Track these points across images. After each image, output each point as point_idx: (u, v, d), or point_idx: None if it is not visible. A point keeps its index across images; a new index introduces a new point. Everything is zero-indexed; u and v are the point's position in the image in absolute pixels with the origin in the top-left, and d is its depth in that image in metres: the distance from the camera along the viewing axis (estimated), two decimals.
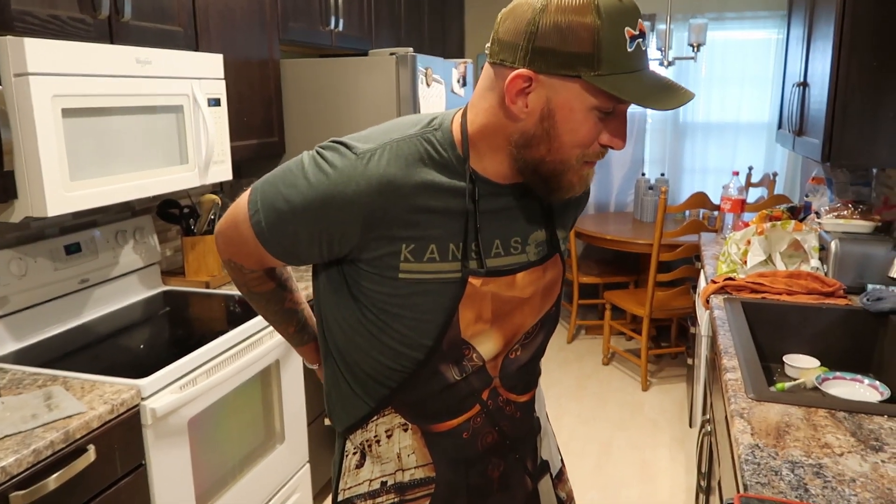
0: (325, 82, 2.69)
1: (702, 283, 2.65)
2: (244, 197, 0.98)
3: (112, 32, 1.76)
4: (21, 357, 1.74)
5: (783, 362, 1.94)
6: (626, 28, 0.83)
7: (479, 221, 0.96)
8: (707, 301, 2.16)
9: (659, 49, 3.97)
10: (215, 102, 2.07)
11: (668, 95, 0.86)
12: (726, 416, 1.41)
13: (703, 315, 2.35)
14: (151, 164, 1.83)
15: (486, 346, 0.99)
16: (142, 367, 1.64)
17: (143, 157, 1.80)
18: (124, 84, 1.70)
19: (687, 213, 4.10)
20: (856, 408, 1.35)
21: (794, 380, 1.86)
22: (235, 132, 2.32)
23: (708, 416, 1.84)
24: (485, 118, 0.93)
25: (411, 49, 2.66)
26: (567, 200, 1.05)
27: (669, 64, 3.88)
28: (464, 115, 0.95)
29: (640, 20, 0.86)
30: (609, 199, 4.81)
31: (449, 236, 0.94)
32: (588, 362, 3.98)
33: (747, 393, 1.41)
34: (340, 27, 2.90)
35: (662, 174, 4.48)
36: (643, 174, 4.54)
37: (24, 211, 1.53)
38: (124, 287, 2.18)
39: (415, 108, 2.59)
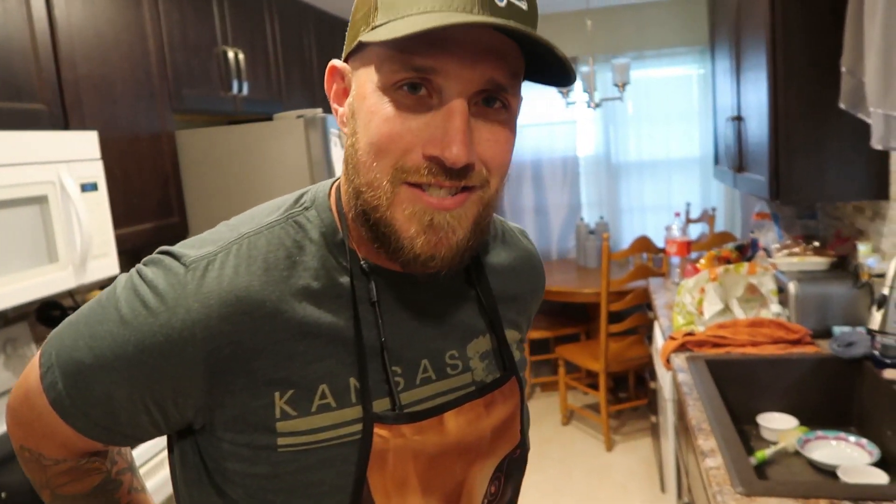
0: (230, 152, 2.43)
1: (657, 336, 2.46)
2: (38, 352, 0.67)
3: None
4: None
5: (757, 423, 1.74)
6: None
7: (386, 332, 0.65)
8: (668, 360, 1.96)
9: (585, 91, 3.88)
10: (91, 187, 1.78)
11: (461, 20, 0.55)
12: None
13: (664, 375, 2.15)
14: (7, 269, 1.53)
15: None
16: None
17: None
18: None
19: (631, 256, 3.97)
20: (862, 494, 1.14)
21: (773, 444, 1.66)
22: (124, 218, 2.04)
23: (687, 501, 1.61)
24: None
25: (321, 110, 2.44)
26: (509, 283, 0.78)
27: (597, 105, 3.80)
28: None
29: None
30: (550, 247, 4.65)
31: (345, 367, 0.63)
32: (547, 424, 3.73)
33: (734, 486, 1.18)
34: (245, 91, 2.66)
35: (602, 217, 4.35)
36: (581, 218, 4.41)
37: None
38: None
39: (329, 172, 2.36)
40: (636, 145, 4.39)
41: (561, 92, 3.78)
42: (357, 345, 0.63)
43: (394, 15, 0.57)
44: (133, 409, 0.63)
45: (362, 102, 0.61)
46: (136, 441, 0.68)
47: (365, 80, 0.61)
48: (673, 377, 1.90)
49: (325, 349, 0.63)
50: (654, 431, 3.05)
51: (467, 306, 0.73)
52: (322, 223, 0.66)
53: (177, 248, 0.64)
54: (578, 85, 3.96)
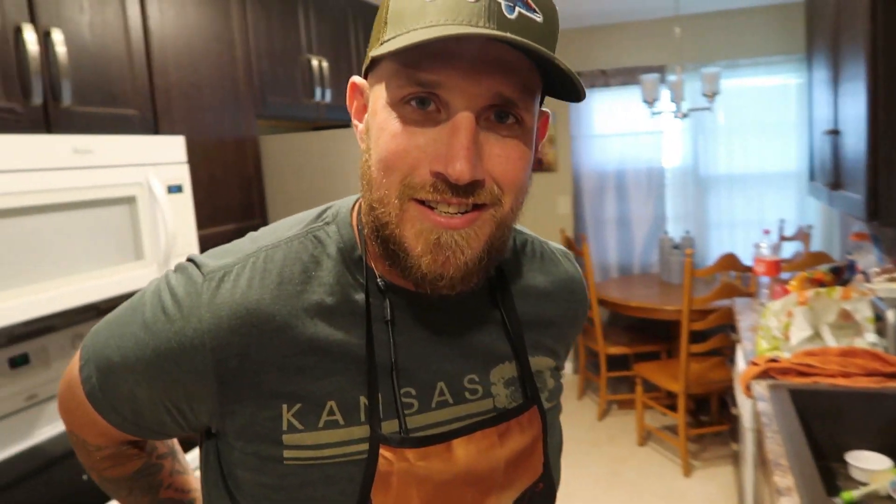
0: (311, 157, 2.50)
1: (739, 359, 2.33)
2: (82, 344, 0.70)
3: (49, 121, 1.57)
4: None
5: (846, 462, 1.61)
6: None
7: (399, 352, 0.64)
8: (748, 387, 1.85)
9: (672, 101, 3.75)
10: (177, 189, 1.87)
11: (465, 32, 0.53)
12: None
13: (744, 403, 2.03)
14: (97, 264, 1.62)
15: None
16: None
17: (86, 257, 1.59)
18: (58, 177, 1.51)
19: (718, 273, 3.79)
20: None
21: (863, 485, 1.53)
22: (208, 219, 2.12)
23: None
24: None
25: None
26: (544, 307, 0.74)
27: (684, 116, 3.66)
28: None
29: None
30: (632, 261, 4.52)
31: (355, 385, 0.62)
32: (622, 443, 3.61)
33: None
34: (328, 98, 2.73)
35: (687, 231, 4.18)
36: (666, 232, 4.25)
37: None
38: None
39: None
40: (727, 157, 4.20)
41: (647, 101, 3.67)
42: (368, 363, 0.63)
43: (401, 29, 0.57)
44: (155, 409, 0.65)
45: (374, 118, 0.61)
46: (164, 436, 0.71)
47: (377, 96, 0.61)
48: (753, 405, 1.79)
49: (335, 365, 0.63)
50: (736, 460, 2.90)
51: (491, 329, 0.70)
52: (341, 239, 0.66)
53: (201, 256, 0.66)
54: (666, 94, 3.83)
